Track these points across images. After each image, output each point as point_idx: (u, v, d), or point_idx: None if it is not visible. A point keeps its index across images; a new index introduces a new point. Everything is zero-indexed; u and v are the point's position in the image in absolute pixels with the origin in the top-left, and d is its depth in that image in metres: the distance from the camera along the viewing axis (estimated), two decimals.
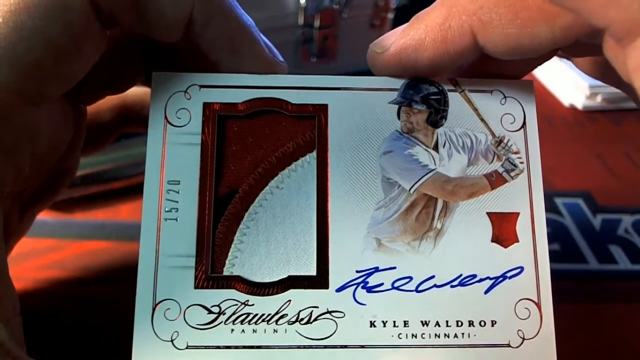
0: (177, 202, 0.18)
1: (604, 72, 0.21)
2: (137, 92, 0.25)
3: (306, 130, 0.20)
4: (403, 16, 0.44)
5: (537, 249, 0.19)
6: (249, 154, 0.20)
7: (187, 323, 0.18)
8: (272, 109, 0.19)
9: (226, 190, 0.19)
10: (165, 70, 0.19)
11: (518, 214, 0.19)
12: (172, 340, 0.18)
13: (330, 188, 0.19)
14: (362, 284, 0.18)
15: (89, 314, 0.27)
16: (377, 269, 0.18)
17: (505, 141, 0.20)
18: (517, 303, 0.19)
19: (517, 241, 0.19)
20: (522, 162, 0.20)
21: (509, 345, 0.18)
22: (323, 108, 0.20)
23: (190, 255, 0.18)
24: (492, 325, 0.18)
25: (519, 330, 0.18)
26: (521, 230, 0.19)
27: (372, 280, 0.18)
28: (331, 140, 0.19)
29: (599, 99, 0.43)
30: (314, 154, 0.19)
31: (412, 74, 0.20)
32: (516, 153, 0.20)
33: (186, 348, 0.18)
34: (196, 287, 0.18)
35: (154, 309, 0.18)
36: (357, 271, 0.18)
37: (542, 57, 0.19)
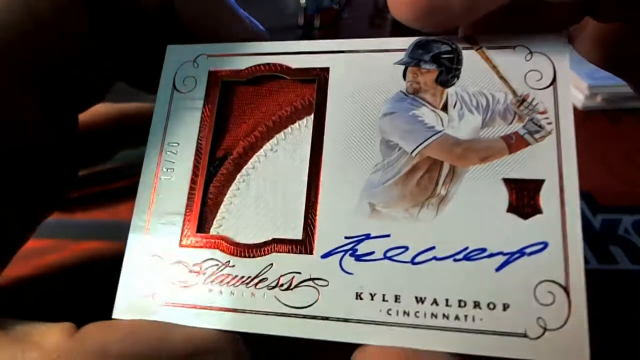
0: (173, 162, 0.19)
1: (607, 57, 0.19)
2: (136, 106, 0.26)
3: (306, 94, 0.19)
4: None
5: (566, 222, 0.16)
6: (248, 119, 0.19)
7: (168, 280, 0.17)
8: (273, 73, 0.19)
9: (222, 153, 0.19)
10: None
11: (543, 181, 0.16)
12: (152, 295, 0.17)
13: (325, 151, 0.18)
14: (350, 252, 0.17)
15: (89, 314, 0.28)
16: (368, 236, 0.17)
17: (529, 100, 0.17)
18: (537, 285, 0.15)
19: (541, 212, 0.16)
20: (549, 123, 0.17)
21: (525, 335, 0.15)
22: (324, 71, 0.19)
23: (179, 213, 0.18)
24: (504, 310, 0.15)
25: (539, 318, 0.15)
26: (546, 200, 0.16)
27: (362, 248, 0.16)
28: (330, 102, 0.18)
29: (598, 99, 0.42)
30: (312, 116, 0.18)
31: (442, 21, 0.18)
32: (543, 113, 0.17)
33: (164, 305, 0.17)
34: (181, 246, 0.18)
35: (139, 264, 0.18)
36: (346, 237, 0.17)
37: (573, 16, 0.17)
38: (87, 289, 0.29)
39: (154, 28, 0.20)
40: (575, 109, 0.41)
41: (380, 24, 0.41)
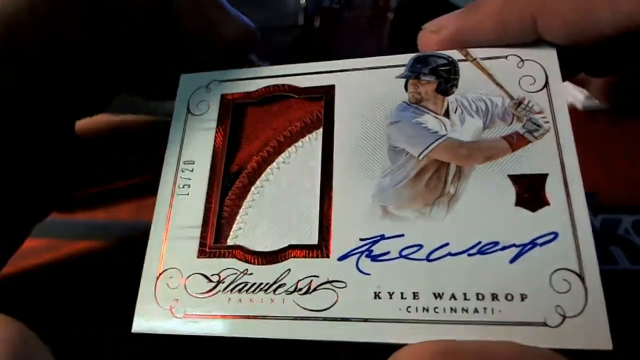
0: (190, 179, 0.19)
1: (614, 100, 0.22)
2: (134, 118, 0.26)
3: (314, 110, 0.20)
4: (403, 16, 0.44)
5: (574, 212, 0.16)
6: (260, 135, 0.20)
7: (187, 291, 0.18)
8: (282, 93, 0.20)
9: (236, 169, 0.20)
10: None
11: (546, 175, 0.17)
12: (171, 308, 0.17)
13: (335, 160, 0.19)
14: (366, 253, 0.17)
15: (89, 314, 0.27)
16: (382, 237, 0.17)
17: (525, 102, 0.18)
18: (552, 274, 0.16)
19: (548, 204, 0.16)
20: (547, 122, 0.18)
21: (544, 324, 0.15)
22: (330, 88, 0.20)
23: (196, 226, 0.18)
24: (522, 300, 0.15)
25: (558, 306, 0.15)
26: (552, 193, 0.17)
27: (378, 249, 0.17)
28: (337, 115, 0.19)
29: None
30: (321, 130, 0.19)
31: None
32: (539, 113, 0.18)
33: (184, 316, 0.17)
34: (199, 257, 0.18)
35: (157, 277, 0.18)
36: (361, 239, 0.17)
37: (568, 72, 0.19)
38: (86, 289, 0.29)
39: (148, 28, 0.21)
40: (575, 109, 0.42)
41: (380, 24, 0.41)
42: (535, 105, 0.18)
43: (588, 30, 0.17)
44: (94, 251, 0.32)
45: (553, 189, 0.17)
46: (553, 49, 0.19)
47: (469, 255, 0.16)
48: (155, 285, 0.18)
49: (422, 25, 0.20)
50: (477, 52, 0.19)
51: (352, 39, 0.42)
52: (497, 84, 0.19)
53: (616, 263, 0.31)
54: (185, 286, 0.18)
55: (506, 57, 0.19)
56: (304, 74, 0.20)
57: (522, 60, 0.19)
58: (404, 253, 0.17)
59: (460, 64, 0.19)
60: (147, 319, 0.17)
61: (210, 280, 0.17)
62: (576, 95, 0.43)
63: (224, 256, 0.18)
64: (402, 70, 0.20)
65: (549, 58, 0.18)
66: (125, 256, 0.30)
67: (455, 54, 0.19)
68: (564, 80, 0.19)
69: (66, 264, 0.31)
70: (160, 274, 0.18)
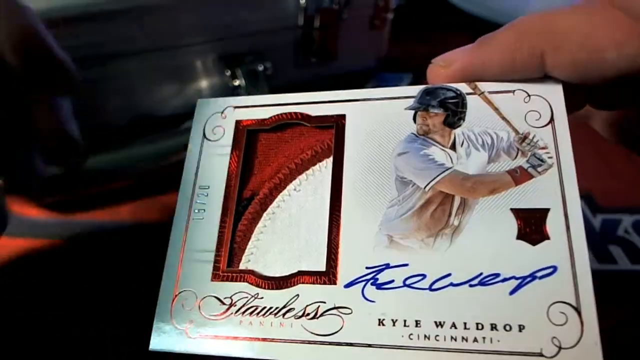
0: (204, 204, 0.20)
1: (618, 135, 0.23)
2: None
3: (325, 139, 0.21)
4: (403, 16, 0.43)
5: (573, 247, 0.17)
6: (272, 162, 0.21)
7: (201, 313, 0.18)
8: (294, 121, 0.21)
9: (249, 194, 0.21)
10: None
11: (548, 210, 0.17)
12: (186, 329, 0.18)
13: (344, 188, 0.19)
14: (371, 281, 0.18)
15: (89, 314, 0.28)
16: (387, 266, 0.18)
17: (530, 137, 0.19)
18: (550, 307, 0.16)
19: (548, 239, 0.17)
20: (550, 157, 0.18)
21: (541, 355, 0.16)
22: (341, 117, 0.21)
23: (210, 250, 0.19)
24: (520, 331, 0.16)
25: (554, 337, 0.16)
26: (553, 227, 0.17)
27: (383, 277, 0.18)
28: (347, 145, 0.20)
29: None
30: (331, 158, 0.20)
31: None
32: (543, 148, 0.18)
33: (198, 337, 0.18)
34: (212, 280, 0.19)
35: (174, 299, 0.19)
36: (367, 267, 0.18)
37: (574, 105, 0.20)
38: (87, 288, 0.29)
39: None
40: None
41: (380, 24, 0.41)
42: (540, 141, 0.19)
43: (594, 69, 0.18)
44: (94, 251, 0.32)
45: (554, 224, 0.17)
46: (559, 84, 0.19)
47: (470, 286, 0.17)
48: (172, 306, 0.19)
49: (432, 60, 0.21)
50: (485, 86, 0.20)
51: (352, 39, 0.41)
52: (503, 118, 0.19)
53: (616, 263, 0.31)
54: (199, 308, 0.19)
55: (513, 92, 0.19)
56: (316, 103, 0.21)
57: (529, 96, 0.19)
58: (407, 282, 0.17)
59: (468, 97, 0.20)
60: (164, 339, 0.18)
61: (223, 303, 0.18)
62: None
63: (236, 280, 0.19)
64: (411, 101, 0.20)
65: (555, 94, 0.19)
66: (125, 256, 0.31)
67: (463, 87, 0.20)
68: (569, 113, 0.20)
69: (67, 264, 0.32)
70: (176, 295, 0.19)
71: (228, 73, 0.39)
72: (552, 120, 0.19)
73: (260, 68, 0.39)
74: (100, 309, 0.29)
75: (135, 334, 0.18)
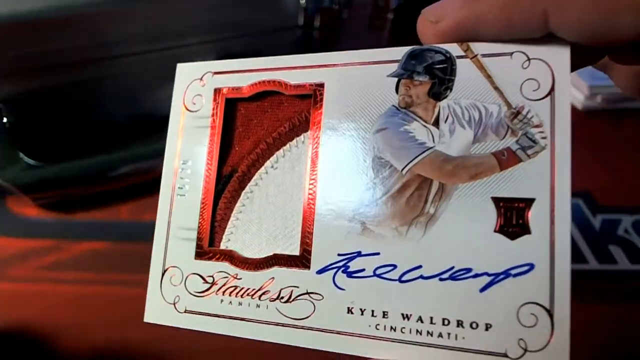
0: (187, 180, 0.20)
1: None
2: None
3: (303, 109, 0.20)
4: (403, 16, 0.39)
5: (555, 244, 0.15)
6: (251, 135, 0.20)
7: (187, 289, 0.20)
8: (272, 90, 0.20)
9: (229, 170, 0.20)
10: None
11: (533, 200, 0.16)
12: (174, 303, 0.20)
13: (320, 168, 0.18)
14: (342, 268, 0.18)
15: (89, 315, 0.28)
16: (359, 254, 0.17)
17: (523, 112, 0.16)
18: (520, 307, 0.15)
19: (529, 232, 0.16)
20: (544, 137, 0.16)
21: (505, 355, 0.15)
22: (320, 86, 0.19)
23: (193, 228, 0.20)
24: (486, 329, 0.16)
25: (520, 339, 0.15)
26: (535, 220, 0.16)
27: (354, 265, 0.17)
28: (325, 119, 0.19)
29: (598, 99, 0.42)
30: (308, 133, 0.19)
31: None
32: (537, 126, 0.16)
33: (184, 312, 0.19)
34: (196, 258, 0.20)
35: (163, 273, 0.20)
36: (339, 254, 0.18)
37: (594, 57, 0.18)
38: (86, 289, 0.30)
39: None
40: (575, 109, 0.41)
41: (380, 24, 0.39)
42: (534, 117, 0.16)
43: (606, 32, 0.15)
44: (96, 251, 0.32)
45: (537, 217, 0.16)
46: (566, 46, 0.16)
47: (441, 279, 0.16)
48: (161, 281, 0.20)
49: (422, 10, 0.18)
50: (479, 48, 0.17)
51: (352, 39, 0.41)
52: (496, 88, 0.17)
53: (616, 263, 0.30)
54: (185, 285, 0.20)
55: (511, 54, 0.17)
56: (295, 68, 0.20)
57: (529, 59, 0.17)
58: (378, 272, 0.17)
59: (459, 62, 0.17)
60: (155, 312, 0.20)
61: (206, 281, 0.19)
62: (576, 95, 0.42)
63: (217, 259, 0.19)
64: (395, 66, 0.18)
65: (559, 57, 0.16)
66: (125, 256, 0.31)
67: (454, 49, 0.17)
68: (584, 66, 0.17)
69: (67, 264, 0.32)
70: (164, 271, 0.20)
71: None
72: (552, 90, 0.16)
73: None
74: (99, 309, 0.29)
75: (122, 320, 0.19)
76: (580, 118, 0.41)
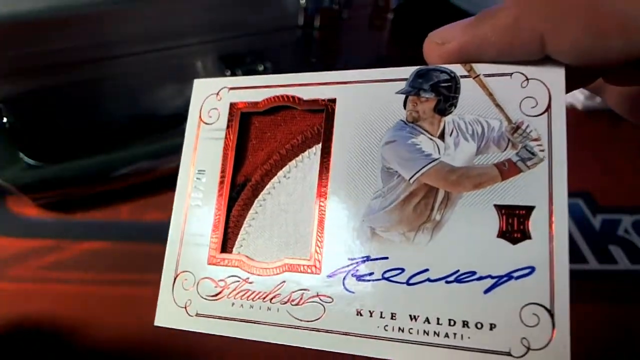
0: (201, 189, 0.21)
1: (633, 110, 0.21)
2: None
3: (315, 123, 0.21)
4: (403, 16, 0.41)
5: (554, 248, 0.16)
6: (265, 147, 0.21)
7: (198, 293, 0.20)
8: (286, 104, 0.21)
9: (242, 179, 0.21)
10: None
11: (533, 207, 0.17)
12: (185, 307, 0.20)
13: (331, 178, 0.19)
14: (352, 272, 0.18)
15: (89, 314, 0.28)
16: (368, 258, 0.18)
17: (523, 127, 0.18)
18: (523, 307, 0.16)
19: (529, 238, 0.17)
20: (542, 150, 0.17)
21: (509, 354, 0.16)
22: (332, 102, 0.20)
23: (206, 234, 0.21)
24: (491, 329, 0.17)
25: (523, 338, 0.16)
26: (535, 226, 0.17)
27: (363, 269, 0.18)
28: (336, 132, 0.20)
29: (598, 99, 0.41)
30: (320, 145, 0.20)
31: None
32: (536, 140, 0.17)
33: (196, 315, 0.20)
34: (209, 263, 0.20)
35: (175, 278, 0.21)
36: (349, 259, 0.19)
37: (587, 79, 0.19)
38: (86, 289, 0.30)
39: None
40: (575, 109, 0.42)
41: (380, 24, 0.40)
42: (533, 131, 0.18)
43: (598, 55, 0.16)
44: (96, 252, 0.33)
45: (537, 223, 0.17)
46: (561, 67, 0.18)
47: (447, 282, 0.17)
48: (173, 285, 0.20)
49: (429, 33, 0.19)
50: (481, 68, 0.19)
51: (352, 39, 0.41)
52: (497, 105, 0.18)
53: (616, 263, 0.31)
54: (197, 289, 0.20)
55: (511, 74, 0.18)
56: (309, 85, 0.21)
57: (527, 79, 0.18)
58: (386, 275, 0.18)
59: (462, 80, 0.19)
60: (166, 315, 0.20)
61: (218, 285, 0.20)
62: (576, 95, 0.42)
63: (229, 265, 0.20)
64: (403, 84, 0.20)
65: (555, 78, 0.18)
66: (125, 256, 0.31)
67: (458, 69, 0.19)
68: (580, 87, 0.19)
69: (67, 264, 0.32)
70: (177, 276, 0.21)
71: (228, 73, 0.39)
72: (548, 108, 0.18)
73: (261, 68, 0.38)
74: (99, 309, 0.29)
75: (122, 320, 0.19)
76: (580, 118, 0.41)
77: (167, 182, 0.34)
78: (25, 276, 0.31)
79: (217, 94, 0.22)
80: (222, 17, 0.36)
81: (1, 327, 0.26)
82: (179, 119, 0.36)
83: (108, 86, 0.36)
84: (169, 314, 0.20)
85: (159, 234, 0.26)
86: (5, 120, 0.34)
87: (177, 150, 0.33)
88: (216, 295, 0.20)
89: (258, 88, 0.22)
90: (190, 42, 0.36)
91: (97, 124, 0.36)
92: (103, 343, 0.29)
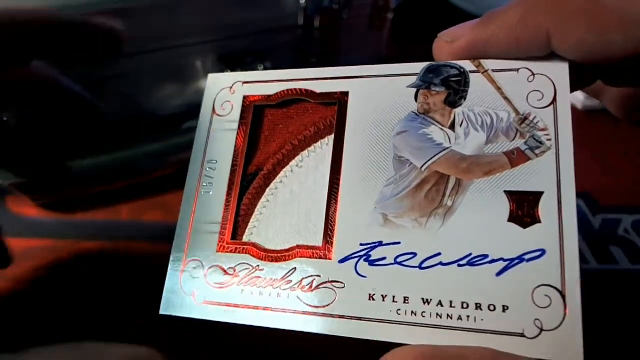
0: (212, 178, 0.21)
1: (630, 112, 0.22)
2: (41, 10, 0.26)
3: (328, 115, 0.21)
4: (403, 16, 0.42)
5: (563, 231, 0.17)
6: (277, 138, 0.22)
7: (207, 281, 0.20)
8: (299, 97, 0.22)
9: (254, 169, 0.21)
10: None
11: (542, 193, 0.18)
12: (193, 295, 0.20)
13: (344, 166, 0.20)
14: (364, 257, 0.18)
15: (89, 314, 0.28)
16: (380, 243, 0.18)
17: (530, 118, 0.18)
18: (535, 289, 0.17)
19: (539, 222, 0.17)
20: (549, 140, 0.18)
21: (522, 335, 0.16)
22: (344, 95, 0.21)
23: (216, 222, 0.21)
24: (504, 311, 0.17)
25: (537, 319, 0.16)
26: (545, 211, 0.17)
27: (375, 254, 0.18)
28: (349, 123, 0.20)
29: None
30: (333, 136, 0.21)
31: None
32: (543, 130, 0.18)
33: (203, 303, 0.20)
34: (218, 251, 0.20)
35: (182, 267, 0.20)
36: (362, 244, 0.19)
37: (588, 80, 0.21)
38: (87, 288, 0.30)
39: None
40: (575, 109, 0.42)
41: (380, 24, 0.40)
42: (540, 122, 0.18)
43: (601, 51, 0.17)
44: (94, 251, 0.32)
45: (546, 208, 0.17)
46: (565, 63, 0.19)
47: (459, 266, 0.17)
48: (181, 274, 0.20)
49: (438, 34, 0.20)
50: (489, 64, 0.19)
51: (352, 39, 0.41)
52: (505, 98, 0.19)
53: (616, 263, 0.31)
54: (205, 276, 0.20)
55: (517, 70, 0.19)
56: (321, 79, 0.21)
57: (533, 75, 0.19)
58: (399, 260, 0.18)
59: (471, 75, 0.20)
60: (173, 304, 0.20)
61: (227, 273, 0.20)
62: (576, 95, 0.43)
63: (239, 252, 0.20)
64: (414, 79, 0.20)
65: (560, 73, 0.19)
66: (125, 256, 0.31)
67: (467, 65, 0.20)
68: (579, 89, 0.19)
69: (67, 264, 0.32)
70: (185, 264, 0.20)
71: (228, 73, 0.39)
72: (554, 101, 0.18)
73: (260, 68, 0.39)
74: (99, 309, 0.28)
75: (122, 320, 0.19)
76: (580, 118, 0.41)
77: (167, 182, 0.34)
78: (25, 276, 0.30)
79: (231, 87, 0.23)
80: (222, 17, 0.36)
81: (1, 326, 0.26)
82: (179, 119, 0.37)
83: (108, 86, 0.36)
84: (176, 302, 0.20)
85: (159, 234, 0.26)
86: (5, 119, 0.33)
87: (177, 150, 0.34)
88: (225, 282, 0.20)
89: (271, 82, 0.22)
90: (190, 42, 0.36)
91: (97, 124, 0.36)
92: (103, 342, 0.28)
